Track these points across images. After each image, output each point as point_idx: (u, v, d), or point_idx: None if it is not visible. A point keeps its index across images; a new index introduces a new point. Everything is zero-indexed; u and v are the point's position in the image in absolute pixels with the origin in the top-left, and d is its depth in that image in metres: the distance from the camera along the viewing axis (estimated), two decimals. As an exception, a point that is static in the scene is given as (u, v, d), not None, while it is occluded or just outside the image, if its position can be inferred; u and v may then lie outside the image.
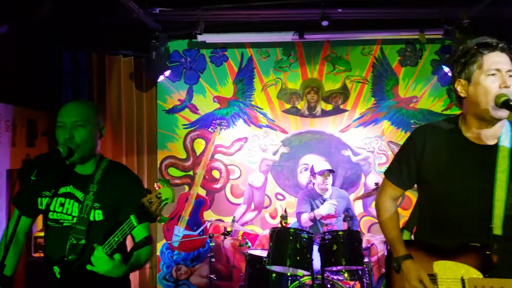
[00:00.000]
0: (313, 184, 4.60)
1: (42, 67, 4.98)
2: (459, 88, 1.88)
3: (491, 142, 1.84)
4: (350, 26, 4.91)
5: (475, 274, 1.76)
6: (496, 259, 1.75)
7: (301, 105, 5.25)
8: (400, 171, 2.00)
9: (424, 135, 1.92)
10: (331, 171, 4.52)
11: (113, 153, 5.03)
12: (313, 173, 4.57)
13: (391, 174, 2.05)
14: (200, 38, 5.07)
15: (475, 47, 1.81)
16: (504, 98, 1.73)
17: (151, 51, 4.86)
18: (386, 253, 2.08)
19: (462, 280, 1.77)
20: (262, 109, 5.28)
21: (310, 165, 5.09)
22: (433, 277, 1.82)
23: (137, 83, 5.27)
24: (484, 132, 1.83)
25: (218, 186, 5.29)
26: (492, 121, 1.80)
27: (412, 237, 2.12)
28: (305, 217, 4.33)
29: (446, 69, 4.74)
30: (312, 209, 4.45)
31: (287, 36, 5.03)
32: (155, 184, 1.88)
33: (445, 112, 5.02)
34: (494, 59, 1.78)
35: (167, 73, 5.11)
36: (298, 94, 5.25)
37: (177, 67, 5.35)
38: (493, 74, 1.77)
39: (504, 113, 1.76)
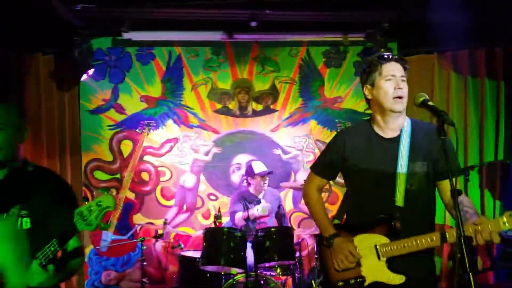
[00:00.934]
0: (248, 184, 4.63)
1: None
2: (366, 92, 2.31)
3: (395, 134, 2.26)
4: (278, 28, 5.02)
5: (384, 240, 2.15)
6: (400, 226, 2.14)
7: (232, 105, 5.28)
8: (324, 164, 2.41)
9: (344, 135, 2.37)
10: (270, 172, 4.59)
11: (33, 155, 4.72)
12: (251, 174, 4.58)
13: (316, 167, 2.46)
14: (126, 35, 4.91)
15: (376, 58, 2.26)
16: (422, 98, 2.08)
17: (73, 49, 4.63)
18: (317, 236, 2.43)
19: (376, 247, 2.16)
20: (192, 109, 5.23)
21: (243, 164, 5.14)
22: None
23: (58, 82, 4.99)
24: (388, 126, 2.26)
25: (147, 188, 5.15)
26: (392, 116, 2.22)
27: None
28: (239, 216, 4.36)
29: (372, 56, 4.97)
30: (245, 209, 4.49)
31: (216, 36, 5.03)
32: (94, 192, 1.84)
33: (367, 112, 5.25)
34: (391, 68, 2.21)
35: (91, 71, 4.90)
36: (229, 94, 5.27)
37: (101, 66, 5.15)
38: (389, 79, 2.20)
39: (400, 106, 2.19)
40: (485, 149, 5.01)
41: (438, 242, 2.05)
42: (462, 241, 1.81)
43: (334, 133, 5.09)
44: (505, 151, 5.02)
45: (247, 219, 4.33)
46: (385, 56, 2.25)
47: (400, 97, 2.19)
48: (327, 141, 5.09)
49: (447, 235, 2.03)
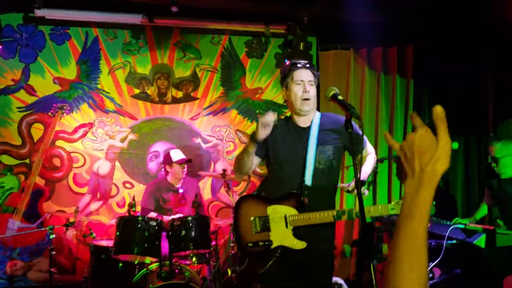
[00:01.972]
0: (166, 173, 4.57)
1: None
2: (283, 94, 2.81)
3: (306, 124, 2.71)
4: (200, 14, 4.96)
5: (293, 212, 2.54)
6: (307, 201, 2.54)
7: (151, 91, 5.16)
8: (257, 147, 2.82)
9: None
10: (189, 160, 4.54)
11: None
12: (169, 162, 4.51)
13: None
14: (38, 13, 4.63)
15: (290, 65, 2.72)
16: (333, 92, 2.43)
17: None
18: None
19: (285, 217, 2.54)
20: (109, 93, 5.05)
21: (161, 152, 5.06)
22: (266, 217, 2.57)
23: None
24: (300, 119, 2.72)
25: (59, 175, 4.92)
26: (302, 114, 2.69)
27: None
28: (152, 216, 4.28)
29: (288, 63, 5.08)
30: (158, 204, 4.42)
31: (136, 19, 4.89)
32: None
33: (286, 104, 5.39)
34: (300, 74, 2.66)
35: (-2, 49, 4.57)
36: (148, 79, 5.14)
37: (11, 43, 4.81)
38: (299, 84, 2.65)
39: (307, 107, 2.65)
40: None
41: (331, 219, 2.49)
42: (367, 231, 2.02)
43: (254, 123, 5.25)
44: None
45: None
46: (297, 64, 2.69)
47: (307, 99, 2.63)
48: (248, 131, 5.30)
49: (342, 214, 2.49)
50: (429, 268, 3.86)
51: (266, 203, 2.60)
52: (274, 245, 2.50)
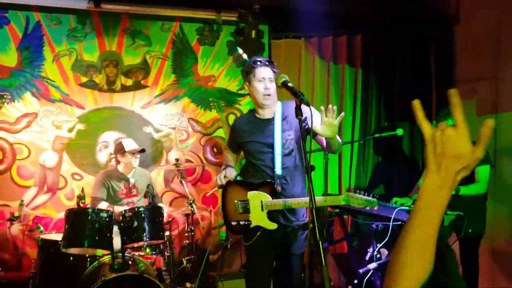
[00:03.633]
0: (118, 162, 4.45)
1: None
2: (246, 88, 3.09)
3: (270, 116, 3.00)
4: (150, 0, 4.83)
5: (268, 198, 2.91)
6: (279, 189, 2.92)
7: (99, 79, 4.97)
8: (230, 143, 3.28)
9: (234, 122, 3.25)
10: (142, 150, 4.43)
11: None
12: (121, 151, 4.38)
13: (228, 144, 3.35)
14: (-26, -5, 4.35)
15: (251, 63, 2.95)
16: (283, 79, 2.58)
17: None
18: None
19: (261, 202, 2.91)
20: (54, 81, 4.81)
21: (110, 142, 4.91)
22: (246, 201, 2.95)
23: None
24: (263, 112, 3.01)
25: (1, 167, 4.66)
26: (264, 108, 2.98)
27: None
28: (103, 207, 4.17)
29: (239, 51, 5.06)
30: (109, 193, 4.31)
31: (82, 4, 4.69)
32: None
33: (240, 92, 5.40)
34: (261, 71, 2.91)
35: None
36: (96, 67, 4.95)
37: None
38: (260, 81, 2.91)
39: (268, 101, 2.94)
40: (344, 130, 5.46)
41: (303, 206, 2.88)
42: (314, 212, 2.11)
43: (208, 112, 5.23)
44: (360, 131, 5.53)
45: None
46: (258, 62, 2.92)
47: (268, 95, 2.91)
48: (201, 119, 5.26)
49: (302, 201, 2.85)
50: (376, 249, 4.04)
51: (247, 189, 2.95)
52: (253, 224, 2.93)
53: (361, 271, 4.08)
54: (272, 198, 2.90)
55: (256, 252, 3.02)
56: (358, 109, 5.53)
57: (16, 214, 4.09)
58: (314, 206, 2.17)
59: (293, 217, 2.99)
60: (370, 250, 4.22)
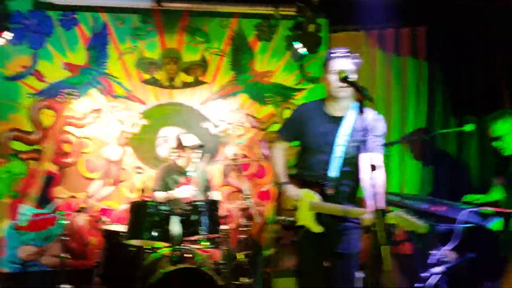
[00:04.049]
0: (178, 157, 4.55)
1: None
2: (322, 80, 2.86)
3: (340, 114, 2.75)
4: (209, -3, 4.91)
5: (316, 199, 2.72)
6: (330, 192, 2.70)
7: (161, 76, 5.13)
8: (285, 131, 2.99)
9: (301, 109, 2.93)
10: (201, 146, 4.52)
11: None
12: (181, 146, 4.49)
13: (281, 132, 3.06)
14: (47, -2, 4.63)
15: (327, 54, 2.78)
16: (344, 74, 2.50)
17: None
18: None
19: (309, 202, 2.73)
20: (118, 78, 5.03)
21: (170, 137, 5.04)
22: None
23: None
24: (334, 107, 2.76)
25: (69, 160, 4.93)
26: (337, 100, 2.73)
27: None
28: (160, 196, 4.27)
29: (297, 45, 5.01)
30: (169, 186, 4.41)
31: (145, 3, 4.85)
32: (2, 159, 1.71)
33: (296, 87, 5.35)
34: (335, 62, 2.69)
35: (8, 35, 4.54)
36: (157, 64, 5.11)
37: (20, 30, 4.79)
38: (333, 73, 2.67)
39: (341, 94, 2.68)
40: (406, 125, 5.24)
41: (347, 214, 2.61)
42: (380, 214, 2.05)
43: (264, 107, 5.24)
44: (426, 126, 5.27)
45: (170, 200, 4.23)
46: (332, 53, 2.75)
47: (341, 87, 2.64)
48: (257, 115, 5.26)
49: (355, 211, 2.58)
50: (445, 252, 3.82)
51: (300, 185, 2.82)
52: (298, 223, 2.78)
53: (424, 274, 3.89)
54: (322, 201, 2.72)
55: (304, 249, 2.87)
56: (422, 104, 5.28)
57: (83, 205, 4.31)
58: (377, 208, 2.10)
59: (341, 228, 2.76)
60: (436, 252, 4.01)
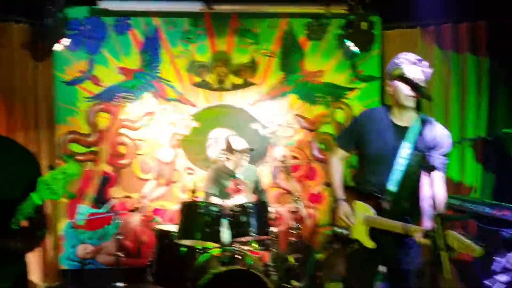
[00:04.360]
0: (227, 159, 4.57)
1: None
2: (387, 87, 2.67)
3: (406, 124, 2.59)
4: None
5: (372, 212, 2.59)
6: (386, 206, 2.53)
7: (211, 78, 5.18)
8: (345, 139, 2.83)
9: (364, 117, 2.74)
10: (251, 149, 4.52)
11: (7, 127, 4.64)
12: (231, 149, 4.51)
13: (339, 141, 2.88)
14: (102, 5, 4.80)
15: (395, 59, 2.56)
16: (400, 71, 2.41)
17: (47, 18, 4.48)
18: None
19: (364, 215, 2.61)
20: (170, 81, 5.13)
21: (220, 139, 5.07)
22: (352, 211, 2.69)
23: (33, 52, 4.85)
24: (400, 116, 2.60)
25: (124, 162, 5.09)
26: (403, 109, 2.56)
27: None
28: (215, 201, 4.30)
29: (349, 43, 4.89)
30: (220, 190, 4.43)
31: (195, 6, 4.91)
32: (56, 161, 1.78)
33: (348, 86, 5.23)
34: (407, 69, 2.48)
35: (66, 41, 4.75)
36: (208, 67, 5.17)
37: (77, 36, 4.98)
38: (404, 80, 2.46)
39: (409, 103, 2.51)
40: (466, 125, 4.99)
41: (405, 232, 2.41)
42: (439, 219, 2.01)
43: (315, 108, 5.16)
44: (486, 127, 4.99)
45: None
46: (403, 59, 2.53)
47: (412, 96, 2.47)
48: (307, 115, 5.18)
49: (412, 229, 2.38)
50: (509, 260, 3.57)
51: (355, 197, 2.70)
52: (352, 236, 2.67)
53: (488, 282, 3.67)
54: (377, 215, 2.57)
55: (355, 261, 2.74)
56: (483, 103, 5.00)
57: (137, 205, 4.41)
58: (439, 214, 2.01)
59: (394, 244, 2.61)
60: (501, 259, 3.76)
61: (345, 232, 2.69)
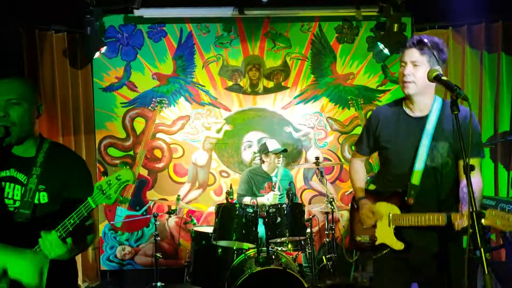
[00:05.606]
0: (262, 162, 4.65)
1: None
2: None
3: (422, 113, 2.40)
4: (290, 3, 4.95)
5: (397, 211, 2.41)
6: (411, 202, 2.36)
7: (244, 82, 5.26)
8: (361, 142, 2.65)
9: (377, 114, 2.56)
10: (284, 150, 4.60)
11: (48, 133, 4.81)
12: (265, 152, 4.59)
13: (357, 146, 2.71)
14: (137, 13, 4.93)
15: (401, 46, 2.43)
16: (436, 72, 2.20)
17: (85, 27, 4.65)
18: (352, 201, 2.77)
19: (389, 215, 2.43)
20: (204, 86, 5.24)
21: (254, 142, 5.16)
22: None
23: (72, 60, 5.04)
24: (415, 106, 2.40)
25: (160, 165, 5.22)
26: (410, 97, 2.37)
27: None
28: (247, 201, 4.39)
29: (381, 46, 4.91)
30: (252, 190, 4.51)
31: (227, 12, 5.01)
32: (113, 168, 1.89)
33: (380, 88, 5.24)
34: (406, 54, 2.34)
35: (103, 49, 4.91)
36: (240, 71, 5.25)
37: (113, 43, 5.16)
38: (402, 66, 2.35)
39: (407, 90, 2.34)
40: (500, 124, 4.93)
41: (443, 223, 2.22)
42: (474, 217, 1.89)
43: (346, 110, 5.18)
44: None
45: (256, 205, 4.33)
46: (405, 44, 2.38)
47: (407, 82, 2.33)
48: (339, 118, 5.22)
49: (452, 217, 2.19)
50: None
51: (375, 199, 2.51)
52: (378, 242, 2.47)
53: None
54: (402, 212, 2.38)
55: (383, 269, 2.53)
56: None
57: (173, 207, 4.52)
58: (474, 210, 1.95)
59: (430, 241, 2.39)
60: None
61: (368, 240, 2.51)
